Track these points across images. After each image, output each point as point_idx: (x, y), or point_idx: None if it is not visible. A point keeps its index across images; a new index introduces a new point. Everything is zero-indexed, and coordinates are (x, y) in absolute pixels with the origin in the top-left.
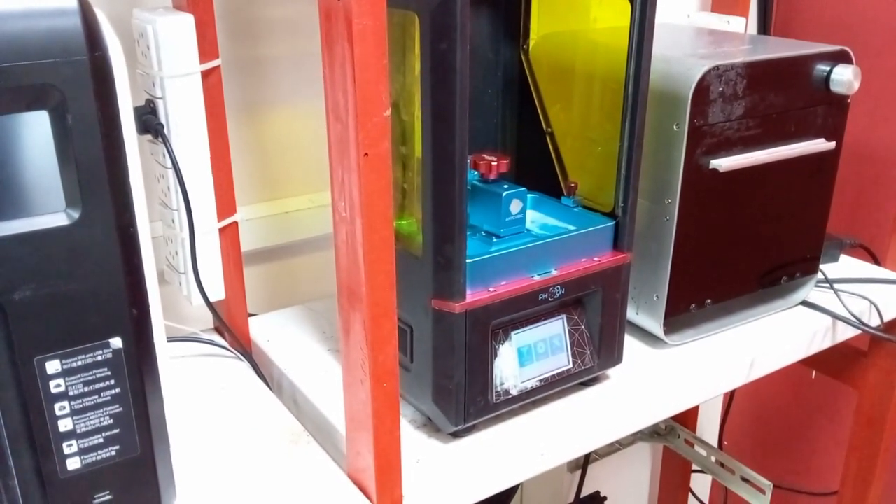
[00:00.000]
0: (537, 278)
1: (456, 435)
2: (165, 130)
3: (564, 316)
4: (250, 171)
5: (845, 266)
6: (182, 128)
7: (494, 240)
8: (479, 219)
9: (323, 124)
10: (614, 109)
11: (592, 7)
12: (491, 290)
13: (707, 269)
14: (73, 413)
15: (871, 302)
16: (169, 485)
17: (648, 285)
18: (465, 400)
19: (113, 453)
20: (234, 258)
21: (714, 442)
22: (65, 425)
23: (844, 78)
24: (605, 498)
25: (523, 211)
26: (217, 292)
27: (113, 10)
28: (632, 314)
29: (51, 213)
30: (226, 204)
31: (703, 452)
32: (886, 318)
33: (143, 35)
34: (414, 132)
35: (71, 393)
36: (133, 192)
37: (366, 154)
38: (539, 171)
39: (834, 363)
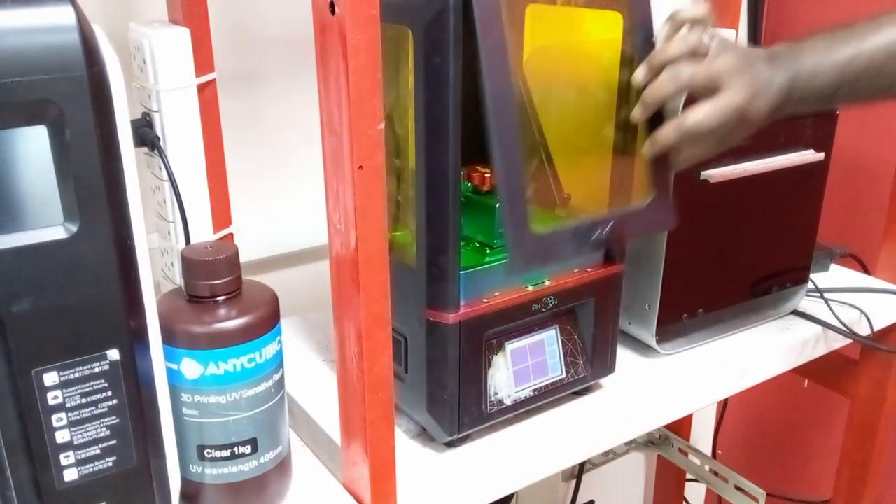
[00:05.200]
0: (530, 289)
1: (450, 445)
2: (161, 143)
3: (557, 326)
4: (246, 183)
5: (836, 275)
6: (178, 140)
7: (488, 251)
8: (473, 230)
9: (318, 137)
10: (607, 121)
11: (586, 20)
12: (484, 300)
13: (698, 279)
14: (71, 424)
15: (862, 311)
16: (165, 496)
17: (640, 295)
18: (460, 410)
19: (110, 464)
20: None
21: (708, 451)
22: (62, 437)
23: None
24: None
25: None
26: None
27: (109, 24)
28: (624, 324)
29: (49, 226)
30: (222, 215)
31: (697, 461)
32: (877, 327)
33: (139, 49)
34: (408, 145)
35: (68, 404)
36: (130, 205)
37: (360, 167)
38: (532, 183)
39: (825, 372)
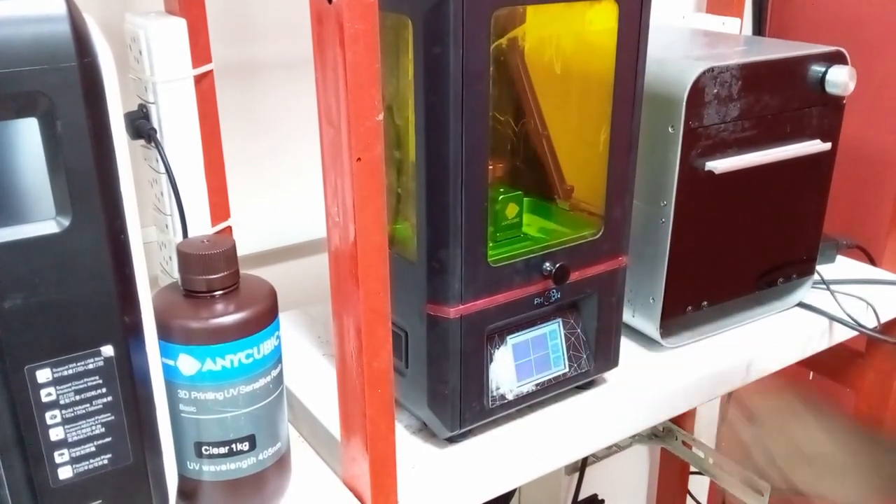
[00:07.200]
0: (533, 283)
1: (452, 440)
2: (158, 135)
3: (560, 320)
4: (244, 176)
5: (842, 267)
6: (175, 132)
7: (490, 244)
8: None
9: (317, 128)
10: (610, 112)
11: (587, 9)
12: (486, 294)
13: (703, 272)
14: (65, 422)
15: (868, 303)
16: (162, 494)
17: (644, 288)
18: (461, 405)
19: (105, 462)
20: None
21: (712, 443)
22: (56, 434)
23: (840, 79)
24: (602, 501)
25: (519, 215)
26: None
27: (104, 15)
28: (628, 317)
29: (41, 220)
30: (220, 208)
31: (701, 454)
32: (883, 319)
33: (135, 40)
34: (408, 136)
35: (62, 402)
36: (124, 199)
37: (358, 159)
38: (535, 175)
39: (831, 364)
